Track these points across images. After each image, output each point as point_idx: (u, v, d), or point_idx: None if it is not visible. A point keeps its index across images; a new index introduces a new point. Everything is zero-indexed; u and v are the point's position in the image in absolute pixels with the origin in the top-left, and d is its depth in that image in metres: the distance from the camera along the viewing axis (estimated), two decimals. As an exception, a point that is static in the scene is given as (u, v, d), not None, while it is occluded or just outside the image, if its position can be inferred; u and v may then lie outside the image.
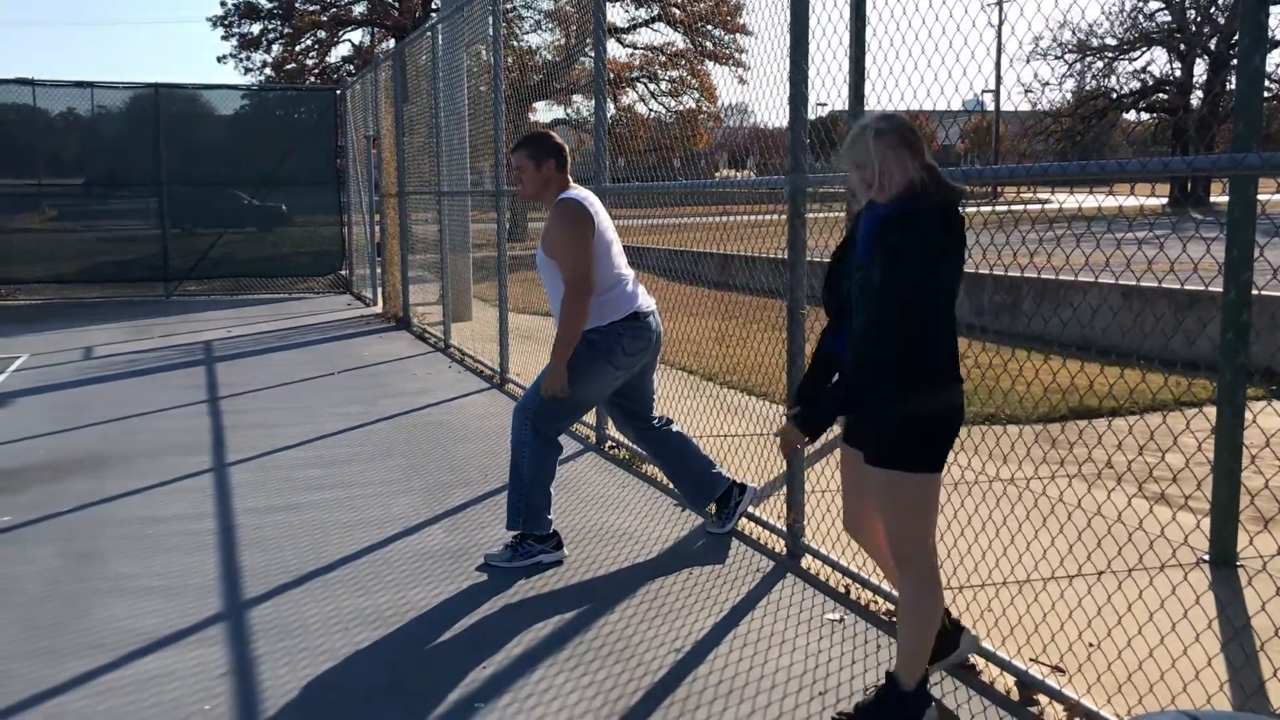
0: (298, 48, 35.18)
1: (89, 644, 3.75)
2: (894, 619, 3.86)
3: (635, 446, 5.46)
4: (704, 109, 29.87)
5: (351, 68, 32.39)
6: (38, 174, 17.00)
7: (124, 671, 3.53)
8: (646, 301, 4.68)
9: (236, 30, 34.41)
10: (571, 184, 4.70)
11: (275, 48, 35.01)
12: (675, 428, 4.94)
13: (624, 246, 4.87)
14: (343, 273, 17.83)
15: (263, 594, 4.21)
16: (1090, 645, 3.50)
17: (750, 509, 4.96)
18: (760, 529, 4.89)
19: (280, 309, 14.96)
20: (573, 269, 4.44)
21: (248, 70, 35.19)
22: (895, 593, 3.82)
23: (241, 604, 4.12)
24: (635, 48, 32.02)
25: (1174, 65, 38.17)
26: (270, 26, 34.60)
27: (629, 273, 4.71)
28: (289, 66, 34.50)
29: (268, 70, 34.79)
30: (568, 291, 4.44)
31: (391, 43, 30.12)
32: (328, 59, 35.67)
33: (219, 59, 65.09)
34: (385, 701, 3.33)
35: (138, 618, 3.98)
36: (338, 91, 18.29)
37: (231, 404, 8.08)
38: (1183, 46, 36.84)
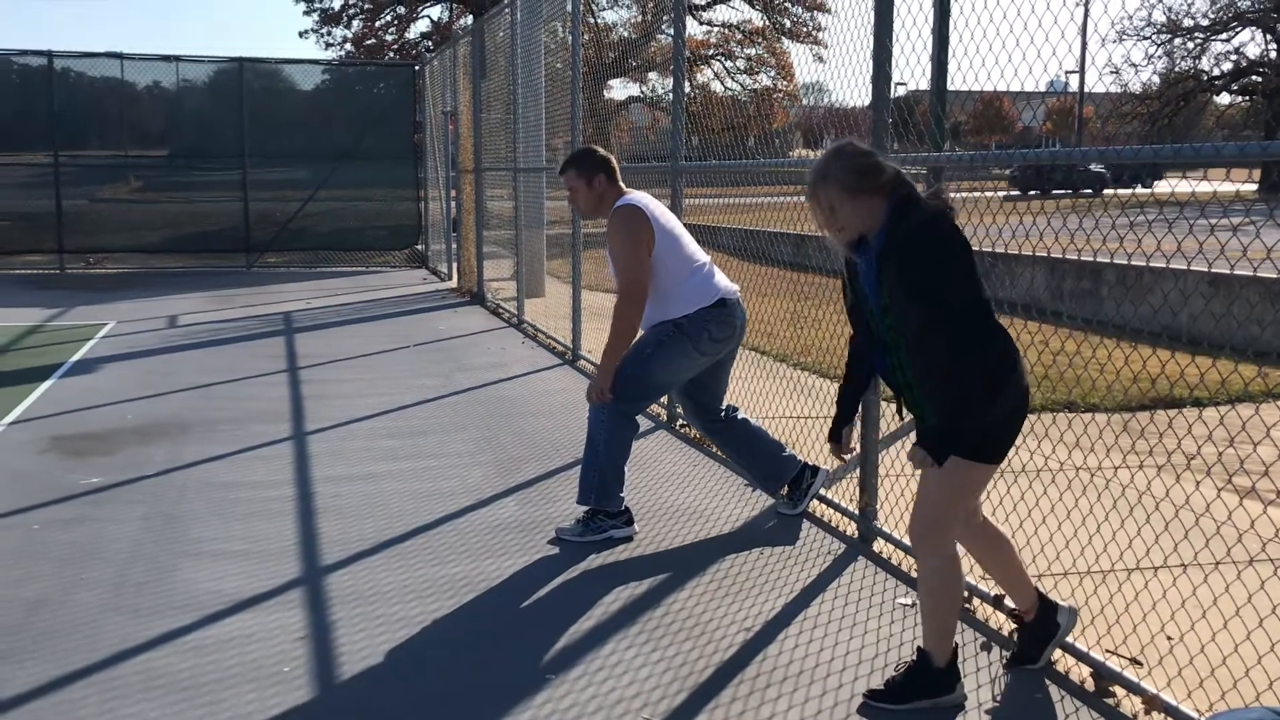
0: (377, 23, 35.54)
1: (174, 604, 3.86)
2: (965, 605, 3.82)
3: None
4: (780, 87, 29.61)
5: (430, 43, 32.65)
6: (124, 146, 17.42)
7: (207, 632, 3.63)
8: (731, 288, 4.66)
9: (318, 5, 34.86)
10: (625, 190, 4.71)
11: (355, 23, 35.41)
12: (741, 415, 4.92)
13: (696, 226, 4.85)
14: (419, 247, 18.03)
15: (340, 561, 4.30)
16: (1171, 639, 3.43)
17: (822, 491, 4.93)
18: (832, 511, 4.87)
19: (357, 282, 15.19)
20: (625, 274, 4.45)
21: (328, 45, 35.67)
22: (979, 587, 3.79)
23: (319, 570, 4.20)
24: (712, 25, 31.81)
25: (1270, 46, 36.90)
26: (351, 2, 34.98)
27: (705, 259, 4.70)
28: (369, 42, 34.88)
29: (348, 46, 35.22)
30: (619, 296, 4.46)
31: (470, 19, 30.25)
32: (407, 34, 35.98)
33: (301, 34, 65.93)
34: (458, 670, 3.38)
35: (220, 580, 4.08)
36: (416, 67, 18.46)
37: (310, 374, 8.23)
38: (1279, 25, 35.59)
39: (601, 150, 4.77)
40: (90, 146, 17.27)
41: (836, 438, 3.45)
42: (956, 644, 3.14)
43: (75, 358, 8.86)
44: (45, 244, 16.39)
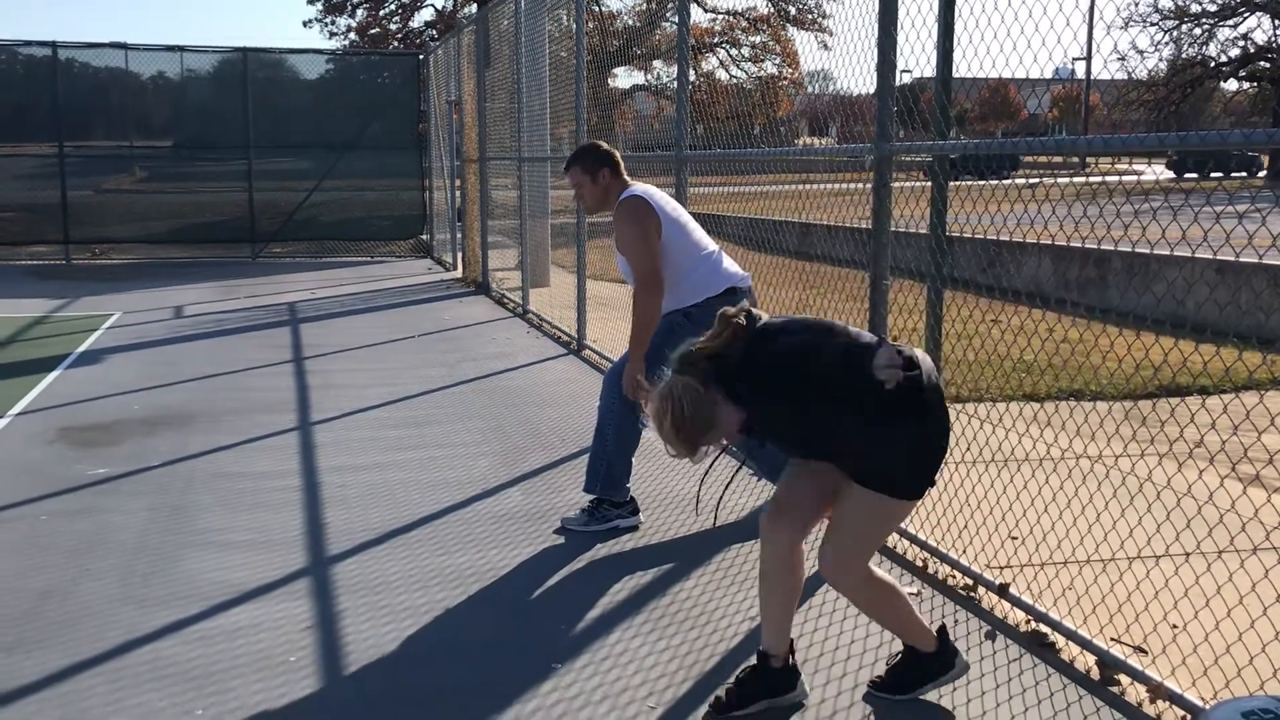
0: (381, 12, 35.50)
1: (180, 594, 3.87)
2: (970, 593, 3.83)
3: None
4: (785, 75, 29.54)
5: (434, 32, 32.60)
6: (129, 136, 17.42)
7: (214, 621, 3.64)
8: (741, 275, 4.65)
9: (322, -5, 34.82)
10: (629, 181, 4.70)
11: (359, 12, 35.37)
12: None
13: (701, 215, 4.84)
14: (424, 237, 18.02)
15: (346, 550, 4.31)
16: (1175, 627, 3.43)
17: (827, 480, 4.92)
18: (837, 500, 4.86)
19: (362, 272, 15.20)
20: (639, 264, 4.45)
21: (332, 35, 35.66)
22: (970, 566, 3.79)
23: (326, 560, 4.22)
24: (717, 12, 31.73)
25: (1278, 32, 36.73)
26: (355, -9, 34.95)
27: (714, 247, 4.69)
28: (373, 31, 34.85)
29: (352, 35, 35.19)
30: (637, 286, 4.45)
31: (474, 7, 30.24)
32: (411, 24, 35.94)
33: (305, 23, 66.05)
34: (464, 659, 3.40)
35: (226, 570, 4.10)
36: (420, 56, 18.43)
37: (315, 364, 8.25)
38: (1287, 12, 35.40)
39: (605, 144, 4.77)
40: (95, 137, 17.26)
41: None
42: (942, 626, 3.14)
43: (81, 348, 8.88)
44: (51, 235, 16.40)
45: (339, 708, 3.10)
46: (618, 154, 4.72)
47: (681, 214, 4.70)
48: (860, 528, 2.90)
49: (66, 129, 16.43)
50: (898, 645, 3.41)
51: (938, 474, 2.91)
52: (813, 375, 2.77)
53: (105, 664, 3.33)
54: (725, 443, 2.94)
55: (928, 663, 3.11)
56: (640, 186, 4.66)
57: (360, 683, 3.24)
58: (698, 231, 4.70)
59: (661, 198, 4.65)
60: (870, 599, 3.03)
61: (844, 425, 2.79)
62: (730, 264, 4.68)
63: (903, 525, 4.33)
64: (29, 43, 16.50)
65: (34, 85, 16.50)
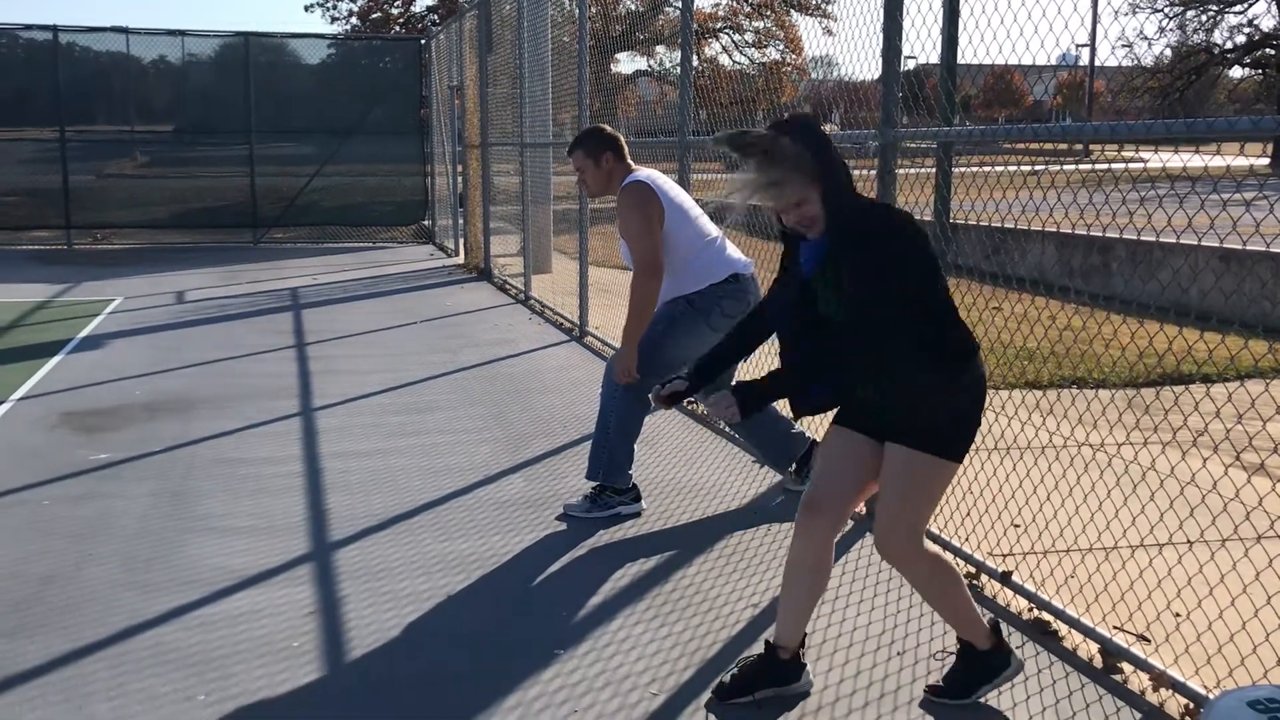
0: (383, -4, 35.34)
1: (182, 580, 3.87)
2: (973, 581, 3.82)
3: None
4: (789, 61, 29.44)
5: (436, 17, 32.48)
6: (131, 121, 17.38)
7: (215, 607, 3.64)
8: (744, 262, 4.63)
9: (324, -22, 34.68)
10: (633, 166, 4.68)
11: (361, -4, 35.21)
12: None
13: (703, 201, 4.83)
14: (425, 223, 18.00)
15: (348, 536, 4.31)
16: (1178, 615, 3.43)
17: (830, 467, 4.92)
18: (839, 487, 4.86)
19: (364, 257, 15.18)
20: (640, 250, 4.43)
21: (334, 19, 35.57)
22: (973, 554, 3.79)
23: (328, 545, 4.22)
24: (720, -2, 31.60)
25: (1282, 19, 36.56)
26: (357, -26, 34.80)
27: (717, 233, 4.67)
28: (374, 16, 34.72)
29: (353, 19, 35.05)
30: (636, 272, 4.44)
31: (475, -8, 30.10)
32: (413, 8, 35.80)
33: (306, 8, 65.64)
34: (466, 645, 3.39)
35: (228, 556, 4.10)
36: (422, 41, 18.37)
37: (317, 350, 8.24)
38: (1292, -1, 35.26)
39: (608, 128, 4.75)
40: (96, 122, 17.23)
41: (682, 388, 3.14)
42: (994, 620, 3.06)
43: (83, 334, 8.88)
44: (52, 220, 16.38)
45: (341, 693, 3.10)
46: (621, 138, 4.70)
47: (685, 200, 4.68)
48: (914, 496, 2.82)
49: (68, 114, 16.39)
50: (897, 635, 3.42)
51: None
52: (910, 262, 2.68)
53: (107, 649, 3.33)
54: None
55: (986, 660, 3.00)
56: (644, 172, 4.64)
57: (362, 668, 3.24)
58: (701, 218, 4.68)
59: (665, 183, 4.63)
60: (930, 575, 2.92)
61: (912, 333, 2.71)
62: (734, 250, 4.67)
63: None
64: (29, 26, 16.46)
65: (35, 69, 16.46)
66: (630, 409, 4.55)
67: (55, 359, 7.83)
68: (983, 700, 3.02)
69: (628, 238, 4.50)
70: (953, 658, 3.10)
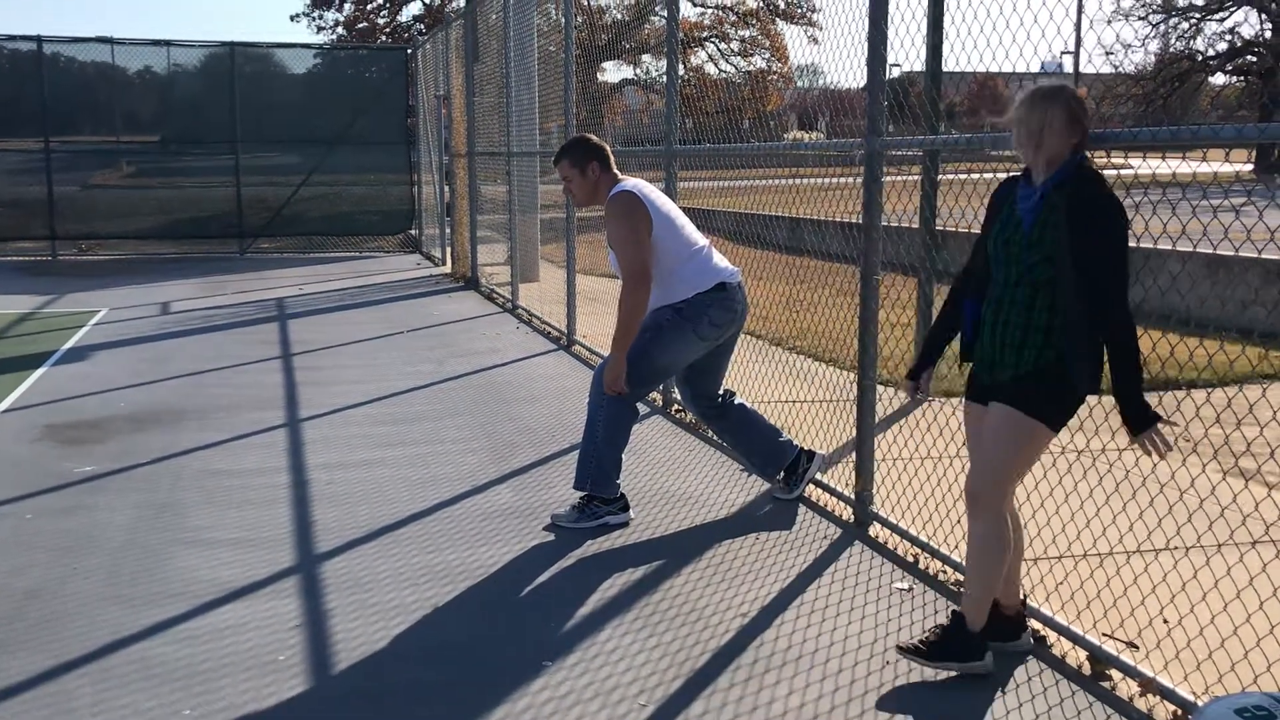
0: (369, 6, 35.33)
1: (168, 593, 3.84)
2: (962, 589, 3.81)
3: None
4: (774, 69, 29.52)
5: (422, 26, 32.49)
6: (116, 131, 17.32)
7: (201, 621, 3.61)
8: (731, 271, 4.63)
9: (309, -11, 34.64)
10: (620, 175, 4.68)
11: (347, 6, 35.20)
12: (738, 400, 4.91)
13: (689, 209, 4.83)
14: (412, 232, 17.97)
15: (335, 548, 4.28)
16: (1167, 622, 3.43)
17: (818, 476, 4.92)
18: (828, 496, 4.86)
19: (351, 267, 15.14)
20: (627, 261, 4.43)
21: (320, 29, 35.47)
22: (964, 563, 3.78)
23: (314, 558, 4.19)
24: (706, 6, 31.67)
25: (1264, 26, 36.82)
26: (342, -15, 34.77)
27: (704, 242, 4.67)
28: (360, 25, 34.68)
29: (339, 29, 35.02)
30: (624, 283, 4.43)
31: (462, 1, 30.17)
32: (399, 18, 35.79)
33: (292, 17, 65.71)
34: (453, 658, 3.37)
35: (214, 568, 4.07)
36: (409, 50, 18.36)
37: (304, 360, 8.21)
38: (1274, 5, 35.50)
39: (594, 138, 4.74)
40: (82, 132, 17.17)
41: (916, 376, 3.48)
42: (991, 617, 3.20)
43: (68, 345, 8.83)
44: (37, 231, 16.29)
45: (328, 707, 3.08)
46: (608, 147, 4.70)
47: (672, 209, 4.68)
48: (1010, 451, 3.06)
49: (53, 124, 16.31)
50: (889, 643, 3.41)
51: None
52: (1118, 237, 2.92)
53: (92, 664, 3.30)
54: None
55: (967, 641, 3.16)
56: (631, 181, 4.64)
57: (349, 681, 3.21)
58: (688, 227, 4.68)
59: (652, 192, 4.63)
60: (992, 536, 3.11)
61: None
62: (720, 259, 4.67)
63: (894, 521, 4.33)
64: (13, 37, 16.38)
65: (19, 80, 16.39)
66: (618, 418, 4.54)
67: (39, 371, 7.78)
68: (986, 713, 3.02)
69: (615, 247, 4.50)
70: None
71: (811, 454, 4.88)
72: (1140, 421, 2.93)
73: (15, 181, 16.49)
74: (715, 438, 5.72)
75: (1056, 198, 2.98)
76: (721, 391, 4.89)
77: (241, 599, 3.79)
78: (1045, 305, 3.01)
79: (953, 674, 3.17)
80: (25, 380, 7.44)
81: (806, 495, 4.88)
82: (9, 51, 16.59)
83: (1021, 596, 3.38)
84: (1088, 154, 3.05)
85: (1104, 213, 2.95)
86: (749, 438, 4.88)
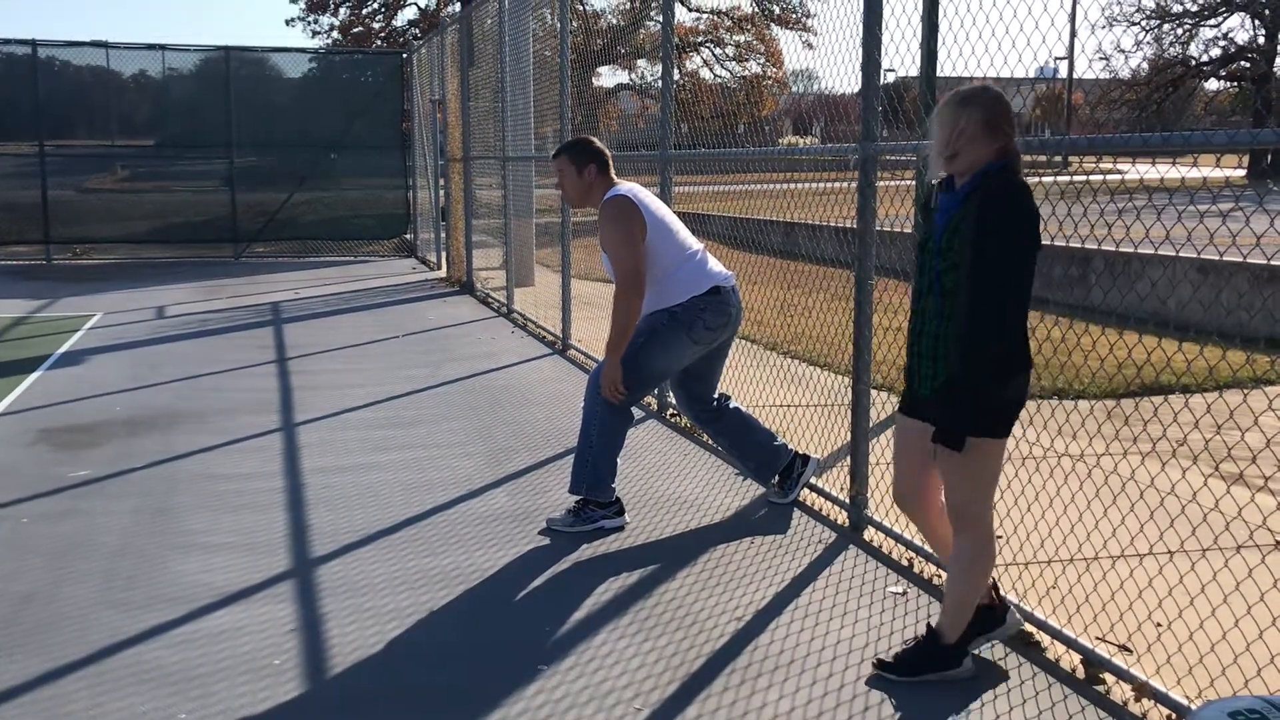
0: (364, 10, 35.38)
1: (163, 597, 3.85)
2: (943, 601, 3.83)
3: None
4: (769, 74, 29.57)
5: (417, 31, 32.51)
6: (111, 135, 17.30)
7: (197, 625, 3.62)
8: (726, 275, 4.65)
9: (304, -7, 34.65)
10: (616, 180, 4.69)
11: (342, 11, 35.23)
12: (733, 404, 4.92)
13: (684, 214, 4.84)
14: (407, 236, 17.97)
15: (331, 552, 4.29)
16: (1159, 626, 3.45)
17: (813, 480, 4.94)
18: (823, 500, 4.87)
19: (346, 271, 15.14)
20: (621, 265, 4.44)
21: (315, 33, 35.51)
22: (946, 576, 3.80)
23: (310, 562, 4.20)
24: (701, 11, 31.74)
25: (1257, 31, 36.96)
26: (338, -11, 34.79)
27: (698, 246, 4.69)
28: (356, 30, 34.72)
29: (335, 34, 35.04)
30: (618, 287, 4.45)
31: (457, 6, 30.16)
32: (394, 22, 35.82)
33: (288, 22, 65.68)
34: (449, 662, 3.38)
35: (210, 573, 4.07)
36: (404, 55, 18.37)
37: (299, 364, 8.21)
38: (1267, 11, 35.63)
39: (599, 142, 4.76)
40: (76, 136, 17.14)
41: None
42: (970, 624, 3.21)
43: (62, 349, 8.82)
44: (31, 235, 16.27)
45: (323, 711, 3.08)
46: (609, 155, 4.71)
47: (666, 214, 4.70)
48: (962, 475, 3.05)
49: (47, 128, 16.30)
50: (880, 647, 3.42)
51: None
52: (1026, 237, 2.90)
53: (87, 668, 3.30)
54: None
55: (944, 653, 3.18)
56: (626, 186, 4.65)
57: (344, 685, 3.22)
58: (682, 231, 4.70)
59: (647, 197, 4.64)
60: (978, 553, 3.13)
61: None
62: (714, 263, 4.68)
63: (888, 525, 4.34)
64: (8, 41, 16.36)
65: (14, 84, 16.36)
66: (614, 422, 4.55)
67: (34, 375, 7.77)
68: (974, 709, 3.03)
69: (610, 252, 4.51)
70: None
71: (806, 458, 4.90)
72: (948, 436, 2.93)
73: (9, 185, 16.46)
74: (710, 442, 5.73)
75: (968, 205, 2.95)
76: (716, 395, 4.90)
77: (237, 603, 3.80)
78: (956, 315, 2.98)
79: (944, 679, 3.18)
80: (20, 384, 7.44)
81: (801, 499, 4.89)
82: (3, 55, 16.55)
83: (991, 583, 3.33)
84: (1011, 160, 2.99)
85: (1003, 221, 2.89)
86: (744, 442, 4.89)
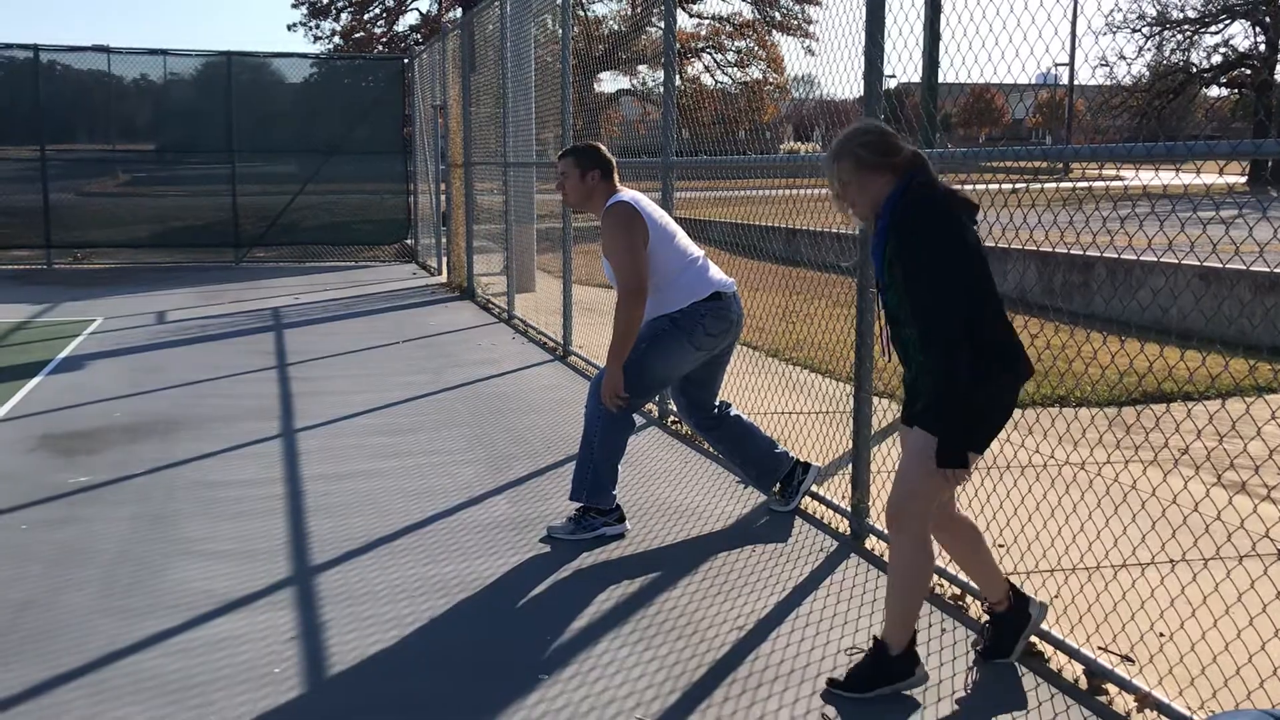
0: (366, 16, 35.43)
1: (163, 604, 3.83)
2: (959, 602, 3.82)
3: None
4: (770, 80, 29.58)
5: (419, 36, 32.56)
6: (112, 140, 17.31)
7: (196, 633, 3.60)
8: (727, 282, 4.64)
9: (306, -1, 34.72)
10: (619, 187, 4.69)
11: (344, 16, 35.28)
12: (734, 411, 4.91)
13: (685, 220, 4.84)
14: (408, 242, 17.97)
15: (331, 560, 4.28)
16: (1162, 636, 3.43)
17: (814, 488, 4.92)
18: (824, 508, 4.86)
19: (347, 277, 15.14)
20: (624, 272, 4.44)
21: (317, 39, 35.56)
22: (962, 577, 3.79)
23: (310, 569, 4.18)
24: (702, 18, 31.78)
25: (1258, 39, 36.99)
26: (339, -5, 34.85)
27: (699, 253, 4.69)
28: (357, 35, 34.77)
29: (336, 39, 35.10)
30: (620, 294, 4.44)
31: (459, 11, 30.20)
32: (395, 28, 35.87)
33: (289, 27, 65.81)
34: (448, 669, 3.37)
35: (209, 580, 4.06)
36: (405, 60, 18.39)
37: (300, 370, 8.20)
38: (1268, 19, 35.67)
39: (606, 149, 4.75)
40: (77, 140, 17.16)
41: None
42: (914, 634, 3.18)
43: (63, 354, 8.81)
44: (32, 239, 16.28)
45: (323, 719, 3.07)
46: (615, 162, 4.71)
47: (668, 220, 4.70)
48: (920, 473, 2.99)
49: (48, 132, 16.32)
50: (885, 655, 3.40)
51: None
52: (960, 241, 2.87)
53: (85, 676, 3.29)
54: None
55: (892, 664, 3.15)
56: (629, 193, 4.65)
57: (344, 694, 3.21)
58: (684, 238, 4.70)
59: (649, 205, 4.64)
60: (911, 560, 3.08)
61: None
62: (715, 270, 4.68)
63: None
64: (10, 45, 16.37)
65: (15, 88, 16.37)
66: (615, 429, 4.54)
67: (34, 380, 7.77)
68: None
69: (612, 259, 4.51)
70: (860, 654, 3.26)
71: (807, 466, 4.89)
72: (948, 458, 2.90)
73: (11, 190, 16.47)
74: (711, 449, 5.72)
75: (890, 237, 2.96)
76: (717, 403, 4.90)
77: (237, 611, 3.79)
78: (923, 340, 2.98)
79: (897, 690, 3.17)
80: (20, 390, 7.43)
81: (802, 507, 4.88)
82: (5, 60, 16.56)
83: (1006, 587, 3.34)
84: (914, 175, 2.95)
85: (914, 234, 2.89)
86: (745, 449, 4.88)
